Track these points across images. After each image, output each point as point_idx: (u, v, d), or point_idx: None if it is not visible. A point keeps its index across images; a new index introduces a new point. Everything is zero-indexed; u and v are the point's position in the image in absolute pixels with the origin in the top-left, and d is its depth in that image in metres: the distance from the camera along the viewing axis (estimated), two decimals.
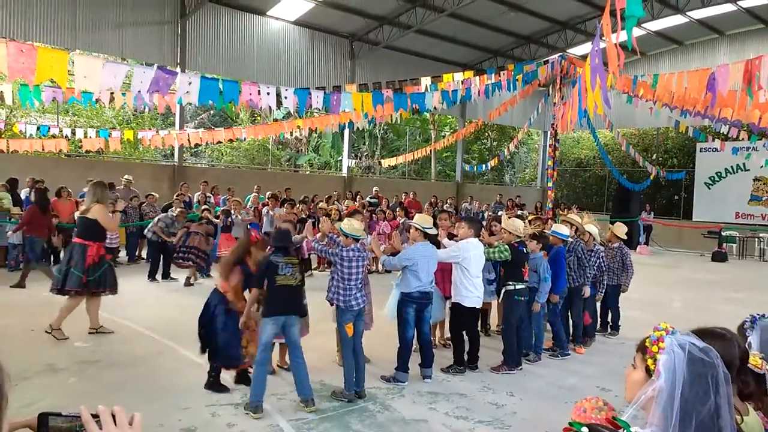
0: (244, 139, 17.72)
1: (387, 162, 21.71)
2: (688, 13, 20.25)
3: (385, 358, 6.15)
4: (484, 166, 21.02)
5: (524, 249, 6.35)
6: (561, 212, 13.31)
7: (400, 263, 5.67)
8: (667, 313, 9.69)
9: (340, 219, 7.63)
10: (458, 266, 6.01)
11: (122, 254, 12.56)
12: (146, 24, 16.06)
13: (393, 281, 6.25)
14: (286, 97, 7.70)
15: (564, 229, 6.99)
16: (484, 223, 8.59)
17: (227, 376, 5.43)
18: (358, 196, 16.52)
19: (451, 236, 6.78)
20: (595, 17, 19.94)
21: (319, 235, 5.83)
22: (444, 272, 6.38)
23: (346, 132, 21.46)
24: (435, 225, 6.28)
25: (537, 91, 17.41)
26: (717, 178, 22.59)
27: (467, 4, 17.81)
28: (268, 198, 12.62)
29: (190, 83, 6.91)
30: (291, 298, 4.90)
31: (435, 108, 11.06)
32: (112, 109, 20.79)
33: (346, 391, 5.14)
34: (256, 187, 14.79)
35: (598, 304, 7.75)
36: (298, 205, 12.49)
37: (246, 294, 5.22)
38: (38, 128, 13.69)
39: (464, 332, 6.20)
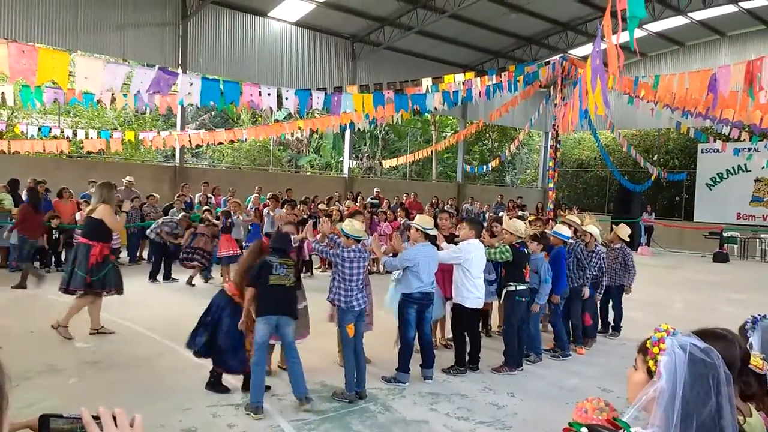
0: (245, 139, 17.74)
1: (388, 163, 21.71)
2: (689, 14, 20.24)
3: (386, 359, 6.15)
4: (485, 166, 21.01)
5: (525, 250, 6.35)
6: (561, 213, 13.30)
7: (401, 264, 5.67)
8: (668, 313, 9.68)
9: (341, 220, 7.64)
10: (459, 267, 6.01)
11: (123, 255, 12.56)
12: (148, 25, 16.08)
13: (393, 277, 6.29)
14: (287, 98, 7.70)
15: (565, 230, 6.99)
16: (485, 224, 8.58)
17: (232, 380, 5.41)
18: (359, 197, 16.51)
19: (452, 237, 6.77)
20: (596, 18, 19.94)
21: (319, 235, 5.83)
22: (444, 272, 6.38)
23: (347, 133, 21.46)
24: (436, 225, 6.28)
25: (538, 92, 17.43)
26: (718, 179, 22.57)
27: (468, 5, 17.80)
28: (269, 199, 12.63)
29: (191, 84, 6.91)
30: (283, 299, 4.89)
31: (436, 109, 11.05)
32: (113, 110, 20.82)
33: (347, 392, 5.14)
34: (257, 187, 14.80)
35: (598, 305, 7.74)
36: (298, 206, 12.48)
37: None
38: (39, 129, 13.70)
39: (465, 333, 6.19)
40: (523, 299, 6.27)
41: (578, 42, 22.29)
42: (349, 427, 4.63)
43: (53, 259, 11.52)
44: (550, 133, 18.55)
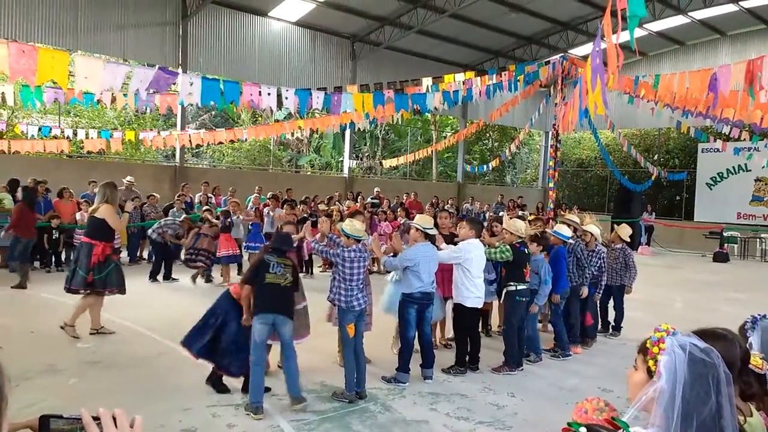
0: (246, 139, 17.75)
1: (388, 162, 21.71)
2: (689, 13, 20.23)
3: (386, 359, 6.16)
4: (485, 166, 21.01)
5: (525, 249, 6.35)
6: (561, 212, 13.30)
7: (402, 264, 5.67)
8: (668, 313, 9.68)
9: (342, 219, 7.64)
10: (459, 267, 6.01)
11: (123, 255, 12.54)
12: (148, 25, 16.08)
13: (387, 278, 6.28)
14: (286, 98, 7.70)
15: (565, 230, 6.99)
16: (485, 223, 8.58)
17: (233, 380, 5.41)
18: (359, 197, 16.52)
19: (452, 236, 6.77)
20: (597, 18, 19.94)
21: (318, 235, 5.83)
22: (444, 272, 6.38)
23: (348, 132, 21.47)
24: (436, 225, 6.28)
25: (538, 92, 17.43)
26: (718, 179, 22.57)
27: (468, 4, 17.80)
28: (269, 198, 12.63)
29: (191, 84, 6.92)
30: (279, 297, 4.88)
31: (436, 108, 11.05)
32: (113, 109, 20.82)
33: (347, 392, 5.14)
34: (257, 187, 14.80)
35: (598, 304, 7.73)
36: (298, 206, 12.48)
37: None
38: (40, 129, 13.71)
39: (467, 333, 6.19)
40: (524, 299, 6.27)
41: (579, 41, 22.28)
42: (349, 427, 4.63)
43: (53, 259, 11.52)
44: (550, 133, 18.55)
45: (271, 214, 11.82)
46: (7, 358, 1.28)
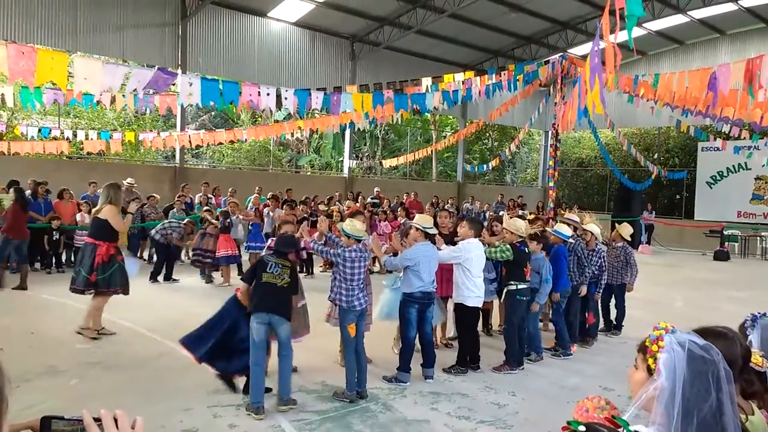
0: (245, 140, 17.74)
1: (388, 162, 21.71)
2: (689, 12, 20.23)
3: (387, 359, 6.16)
4: (485, 166, 21.01)
5: (526, 249, 6.35)
6: (561, 212, 13.30)
7: (402, 263, 5.67)
8: (669, 312, 9.67)
9: (342, 220, 7.64)
10: (460, 267, 6.01)
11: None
12: (147, 26, 16.08)
13: (384, 282, 6.27)
14: (286, 98, 7.71)
15: (566, 229, 6.99)
16: (485, 223, 8.58)
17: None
18: (359, 197, 16.52)
19: (452, 236, 6.77)
20: (596, 17, 19.92)
21: (316, 234, 5.81)
22: (442, 272, 6.38)
23: (347, 133, 21.47)
24: (436, 225, 6.28)
25: (538, 91, 17.38)
26: (718, 177, 22.57)
27: (468, 4, 17.80)
28: (269, 199, 12.62)
29: (191, 84, 6.92)
30: (274, 297, 4.87)
31: (436, 108, 11.05)
32: (113, 110, 20.82)
33: (348, 392, 5.14)
34: (257, 188, 14.80)
35: (599, 303, 7.73)
36: (298, 206, 12.49)
37: None
38: (39, 130, 13.71)
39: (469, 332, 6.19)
40: (524, 298, 6.27)
41: (578, 41, 22.28)
42: (350, 426, 4.63)
43: (54, 260, 11.51)
44: (550, 132, 18.55)
45: (271, 214, 11.82)
46: (7, 359, 1.28)
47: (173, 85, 7.31)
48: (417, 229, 5.83)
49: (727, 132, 12.16)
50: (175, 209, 12.21)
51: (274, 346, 5.13)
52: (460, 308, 6.12)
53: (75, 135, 14.28)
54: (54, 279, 10.67)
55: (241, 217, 11.38)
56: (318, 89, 8.76)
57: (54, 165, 15.17)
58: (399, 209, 14.11)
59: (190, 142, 13.63)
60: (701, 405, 1.53)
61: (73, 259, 11.80)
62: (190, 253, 12.90)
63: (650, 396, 1.59)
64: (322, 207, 13.58)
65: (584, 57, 15.99)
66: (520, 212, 15.29)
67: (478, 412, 5.02)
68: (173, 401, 4.97)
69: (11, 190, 10.36)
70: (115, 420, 1.21)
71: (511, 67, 12.08)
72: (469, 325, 6.20)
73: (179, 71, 14.88)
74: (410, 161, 22.78)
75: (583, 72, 4.90)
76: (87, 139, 13.42)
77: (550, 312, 7.32)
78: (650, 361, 1.64)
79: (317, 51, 19.84)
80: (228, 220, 10.76)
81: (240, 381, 5.29)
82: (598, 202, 27.42)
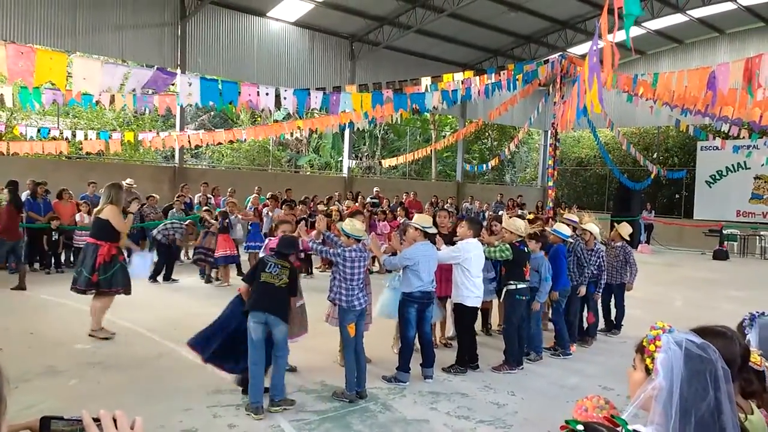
0: (245, 140, 17.75)
1: (387, 162, 21.71)
2: (688, 11, 20.24)
3: (386, 359, 6.16)
4: (484, 165, 21.03)
5: (525, 248, 6.35)
6: (561, 211, 13.31)
7: (401, 263, 5.66)
8: (668, 311, 9.68)
9: (341, 219, 7.63)
10: (459, 267, 6.01)
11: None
12: (146, 26, 16.08)
13: (383, 281, 6.26)
14: (285, 98, 7.71)
15: (565, 229, 6.99)
16: (485, 223, 8.58)
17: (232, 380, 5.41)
18: (358, 197, 16.51)
19: (451, 236, 6.76)
20: (595, 16, 19.92)
21: (314, 233, 5.80)
22: (442, 271, 6.38)
23: (347, 132, 21.47)
24: (435, 224, 6.28)
25: (537, 91, 17.40)
26: (718, 177, 22.58)
27: (467, 4, 17.80)
28: (268, 199, 12.62)
29: (190, 84, 6.93)
30: (271, 297, 4.87)
31: (435, 108, 11.06)
32: (112, 110, 20.81)
33: (347, 392, 5.14)
34: (256, 188, 14.81)
35: (599, 303, 7.73)
36: (298, 206, 12.48)
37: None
38: (39, 130, 13.70)
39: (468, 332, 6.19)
40: (524, 298, 6.27)
41: (577, 40, 22.28)
42: (349, 426, 4.63)
43: (53, 261, 11.50)
44: (549, 132, 18.57)
45: (270, 214, 11.82)
46: (6, 360, 1.28)
47: (172, 85, 7.32)
48: (416, 228, 5.82)
49: (726, 131, 12.17)
50: (174, 209, 12.21)
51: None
52: (459, 308, 6.12)
53: (74, 135, 14.28)
54: (53, 279, 10.67)
55: (240, 216, 11.38)
56: (317, 89, 8.77)
57: (53, 165, 15.16)
58: (398, 209, 14.11)
59: (189, 142, 13.64)
60: (699, 404, 1.53)
61: (72, 259, 11.80)
62: (190, 253, 12.93)
63: (648, 396, 1.59)
64: (321, 207, 13.58)
65: (584, 56, 16.00)
66: (520, 212, 15.29)
67: (478, 412, 5.02)
68: (173, 401, 4.97)
69: (5, 190, 10.37)
70: (114, 420, 1.21)
71: (511, 67, 12.09)
72: (468, 324, 6.21)
73: (178, 71, 14.87)
74: (409, 161, 22.77)
75: (582, 71, 4.91)
76: (86, 139, 13.42)
77: (550, 311, 7.31)
78: (648, 361, 1.64)
79: (316, 51, 19.83)
80: (226, 220, 10.77)
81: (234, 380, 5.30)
82: (598, 201, 27.43)
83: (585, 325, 7.58)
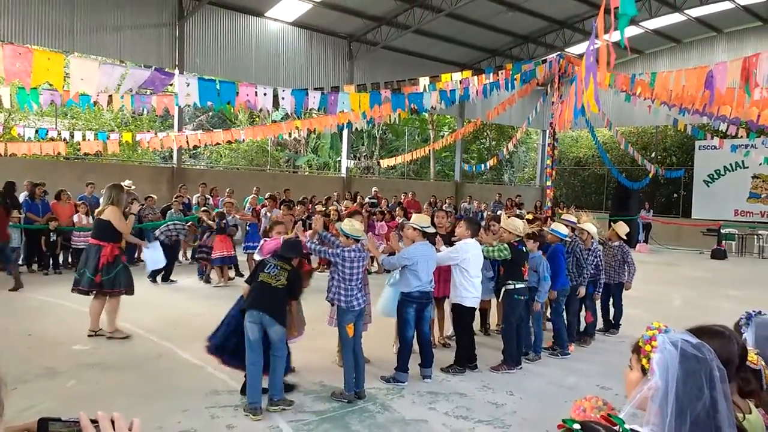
0: (243, 140, 17.72)
1: (386, 162, 21.71)
2: (686, 11, 20.27)
3: (385, 359, 6.16)
4: (483, 165, 21.02)
5: (524, 248, 6.36)
6: (560, 211, 13.32)
7: (400, 263, 5.66)
8: (666, 311, 9.69)
9: (339, 219, 7.62)
10: (457, 267, 6.01)
11: None
12: (144, 26, 16.06)
13: (387, 279, 6.25)
14: (283, 98, 7.70)
15: (562, 228, 6.99)
16: (483, 222, 8.58)
17: (231, 381, 5.40)
18: (357, 197, 16.51)
19: (449, 236, 6.76)
20: (593, 16, 19.94)
21: (309, 232, 5.79)
22: (440, 272, 6.37)
23: (345, 133, 21.47)
24: (433, 225, 6.27)
25: (535, 91, 17.42)
26: (716, 176, 22.61)
27: (465, 4, 17.81)
28: (267, 199, 12.61)
29: (188, 84, 6.92)
30: (267, 297, 4.87)
31: (433, 108, 11.05)
32: (110, 111, 20.80)
33: (346, 392, 5.14)
34: (255, 188, 14.80)
35: (598, 303, 7.73)
36: (296, 206, 12.48)
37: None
38: (36, 131, 13.68)
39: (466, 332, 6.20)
40: (522, 298, 6.27)
41: (575, 40, 22.30)
42: (348, 427, 4.63)
43: (51, 262, 11.49)
44: (547, 131, 18.58)
45: (269, 214, 11.80)
46: (4, 361, 1.28)
47: (171, 85, 7.31)
48: (414, 228, 5.81)
49: (724, 130, 12.18)
50: (172, 210, 12.20)
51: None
52: (457, 308, 6.12)
53: (72, 136, 14.26)
54: (51, 280, 10.67)
55: (238, 217, 11.39)
56: (315, 89, 8.76)
57: (51, 166, 15.15)
58: (397, 209, 14.11)
59: (187, 142, 13.61)
60: (695, 404, 1.53)
61: (70, 260, 11.79)
62: (189, 254, 12.93)
63: (644, 396, 1.59)
64: (319, 207, 13.58)
65: (581, 56, 16.01)
66: (518, 212, 15.30)
67: (476, 412, 5.02)
68: (171, 402, 4.97)
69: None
70: (113, 422, 1.21)
71: (509, 67, 12.10)
72: (466, 324, 6.21)
73: (176, 71, 14.86)
74: (408, 161, 22.78)
75: (579, 71, 4.91)
76: (84, 139, 13.40)
77: (548, 311, 7.32)
78: (644, 361, 1.65)
79: (315, 51, 19.83)
80: (223, 221, 10.78)
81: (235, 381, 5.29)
82: (596, 201, 27.46)
83: (583, 325, 7.58)
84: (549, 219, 10.30)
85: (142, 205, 12.73)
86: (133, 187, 13.21)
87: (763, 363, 2.16)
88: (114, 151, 14.25)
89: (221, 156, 25.33)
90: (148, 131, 19.23)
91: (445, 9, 18.08)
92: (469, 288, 5.98)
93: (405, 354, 5.66)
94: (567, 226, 7.21)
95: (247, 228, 11.56)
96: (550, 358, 6.77)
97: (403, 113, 11.10)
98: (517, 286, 6.21)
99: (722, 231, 19.24)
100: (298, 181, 21.46)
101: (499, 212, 13.39)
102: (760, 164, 17.51)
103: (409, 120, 27.77)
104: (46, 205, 11.80)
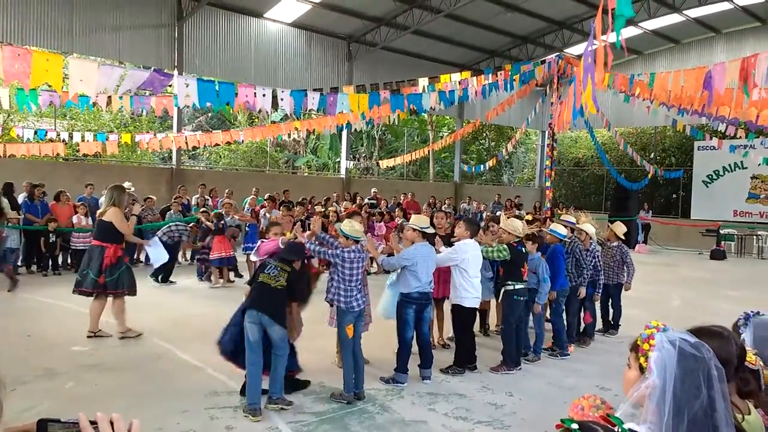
0: (242, 141, 17.73)
1: (385, 163, 21.71)
2: (684, 11, 20.30)
3: (384, 360, 6.15)
4: (482, 166, 21.03)
5: (523, 249, 6.36)
6: (559, 211, 13.32)
7: (399, 263, 5.66)
8: (665, 311, 9.70)
9: (338, 220, 7.61)
10: (456, 268, 6.01)
11: None
12: (143, 27, 16.06)
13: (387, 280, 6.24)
14: (282, 99, 7.70)
15: (561, 229, 7.00)
16: (482, 223, 8.59)
17: (230, 381, 5.40)
18: (356, 198, 16.50)
19: (448, 237, 6.76)
20: (592, 17, 19.95)
21: (307, 233, 5.78)
22: (440, 272, 6.37)
23: (344, 133, 21.47)
24: (432, 225, 6.27)
25: (534, 91, 17.45)
26: (715, 176, 22.63)
27: (464, 4, 17.83)
28: (266, 200, 12.61)
29: (187, 85, 6.92)
30: (266, 297, 4.88)
31: (432, 108, 11.06)
32: (109, 112, 20.79)
33: (345, 393, 5.14)
34: (254, 189, 14.80)
35: (597, 304, 7.74)
36: (295, 207, 12.47)
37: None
38: (35, 132, 13.67)
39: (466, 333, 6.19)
40: (521, 298, 6.27)
41: (574, 40, 22.33)
42: (347, 428, 4.63)
43: (50, 263, 11.48)
44: (546, 132, 18.58)
45: (268, 215, 11.81)
46: (3, 362, 1.28)
47: (170, 86, 7.31)
48: (414, 229, 5.81)
49: (723, 131, 12.18)
50: (172, 211, 12.20)
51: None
52: (457, 309, 6.12)
53: (71, 137, 14.25)
54: (50, 281, 10.66)
55: (236, 217, 11.39)
56: (314, 90, 8.76)
57: (50, 167, 15.14)
58: (396, 210, 14.11)
59: (186, 143, 13.61)
60: (692, 402, 1.54)
61: (69, 261, 11.79)
62: (188, 255, 12.93)
63: (642, 394, 1.60)
64: (318, 208, 13.57)
65: (580, 57, 16.01)
66: (517, 212, 15.31)
67: (476, 413, 5.02)
68: (170, 403, 4.97)
69: None
70: (112, 423, 1.21)
71: (508, 67, 12.10)
72: (467, 325, 6.20)
73: (175, 72, 14.87)
74: (407, 162, 22.79)
75: (577, 71, 4.91)
76: (83, 140, 13.40)
77: (548, 312, 7.32)
78: (642, 359, 1.65)
79: (314, 52, 19.83)
80: (221, 222, 10.78)
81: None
82: (595, 201, 27.47)
83: (582, 325, 7.59)
84: (548, 220, 10.30)
85: (143, 206, 12.73)
86: (132, 189, 13.20)
87: (761, 363, 2.17)
88: (113, 152, 14.25)
89: (220, 157, 25.32)
90: (147, 132, 19.21)
91: (444, 10, 18.09)
92: (469, 288, 5.98)
93: (404, 355, 5.66)
94: (566, 226, 7.22)
95: (247, 229, 11.56)
96: (549, 359, 6.77)
97: (403, 114, 11.10)
98: (517, 286, 6.21)
99: (721, 231, 19.26)
100: (298, 182, 21.46)
101: (498, 213, 13.38)
102: (759, 165, 17.53)
103: (409, 121, 27.77)
104: (45, 206, 11.79)
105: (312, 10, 18.31)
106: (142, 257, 12.88)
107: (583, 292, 7.11)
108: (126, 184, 12.87)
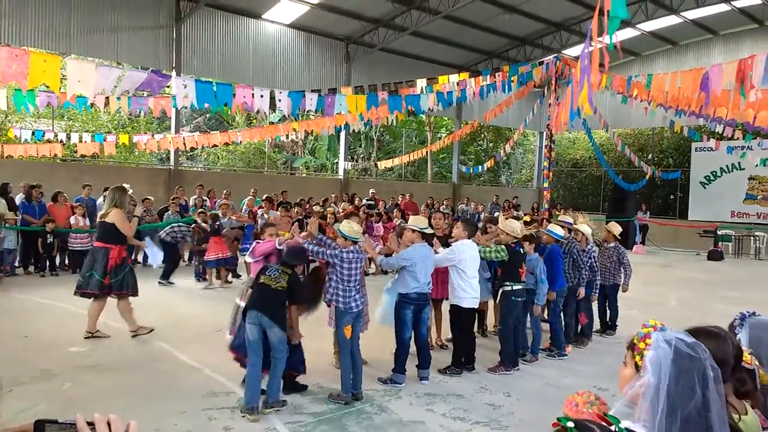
0: (240, 142, 17.74)
1: (383, 164, 21.71)
2: (682, 13, 20.34)
3: (382, 360, 6.15)
4: (480, 167, 21.05)
5: (521, 249, 6.37)
6: (557, 212, 13.34)
7: (398, 263, 5.66)
8: (663, 312, 9.71)
9: (336, 221, 7.62)
10: (454, 268, 6.01)
11: None
12: (142, 28, 16.06)
13: (385, 286, 6.24)
14: (280, 100, 7.70)
15: (558, 229, 7.01)
16: (480, 224, 8.59)
17: (229, 382, 5.40)
18: (354, 199, 16.50)
19: (446, 237, 6.77)
20: (589, 18, 19.95)
21: (304, 234, 5.78)
22: (438, 273, 6.37)
23: (342, 134, 21.48)
24: (430, 226, 6.28)
25: (532, 92, 17.47)
26: (712, 178, 22.68)
27: (462, 6, 17.85)
28: (264, 201, 12.61)
29: (185, 86, 6.92)
30: (266, 298, 4.88)
31: (430, 109, 11.07)
32: (107, 113, 20.76)
33: (343, 393, 5.14)
34: (252, 190, 14.80)
35: (595, 304, 7.75)
36: (293, 208, 12.47)
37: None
38: (33, 133, 13.65)
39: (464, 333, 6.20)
40: (519, 299, 6.28)
41: (572, 42, 22.37)
42: (345, 428, 4.63)
43: (48, 264, 11.47)
44: (544, 133, 18.60)
45: (266, 216, 11.81)
46: (0, 363, 1.28)
47: (168, 87, 7.30)
48: (413, 230, 5.82)
49: (720, 132, 12.20)
50: (169, 211, 12.18)
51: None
52: (455, 309, 6.13)
53: (69, 137, 14.22)
54: (48, 282, 10.65)
55: (234, 218, 11.39)
56: (312, 91, 8.77)
57: (48, 168, 15.12)
58: (394, 211, 14.11)
59: (184, 144, 13.61)
60: (686, 402, 1.54)
61: (67, 262, 11.77)
62: (186, 255, 12.91)
63: (636, 392, 1.60)
64: (317, 209, 13.57)
65: (578, 58, 16.03)
66: (515, 213, 15.33)
67: (473, 413, 5.02)
68: (168, 404, 4.96)
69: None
70: (109, 424, 1.21)
71: (506, 68, 12.12)
72: (464, 326, 6.21)
73: (173, 73, 14.88)
74: (405, 162, 22.78)
75: (575, 73, 4.93)
76: (81, 141, 13.37)
77: (545, 312, 7.33)
78: (638, 358, 1.66)
79: (312, 53, 19.84)
80: (217, 223, 10.78)
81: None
82: (593, 202, 27.51)
83: (579, 326, 7.59)
84: (546, 221, 10.32)
85: (143, 208, 12.72)
86: (131, 190, 13.19)
87: (756, 363, 2.17)
88: (111, 153, 14.24)
89: (218, 158, 25.31)
90: (145, 133, 19.20)
91: (442, 11, 18.11)
92: (467, 289, 5.98)
93: (402, 355, 5.66)
94: (563, 227, 7.23)
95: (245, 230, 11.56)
96: (547, 360, 6.78)
97: (401, 115, 11.11)
98: (515, 287, 6.21)
99: (719, 232, 19.31)
100: (296, 183, 21.46)
101: (496, 214, 13.40)
102: (757, 166, 17.56)
103: (407, 122, 27.79)
104: (43, 207, 11.77)
105: (310, 12, 18.32)
106: (140, 257, 12.88)
107: (582, 292, 7.12)
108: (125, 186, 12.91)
